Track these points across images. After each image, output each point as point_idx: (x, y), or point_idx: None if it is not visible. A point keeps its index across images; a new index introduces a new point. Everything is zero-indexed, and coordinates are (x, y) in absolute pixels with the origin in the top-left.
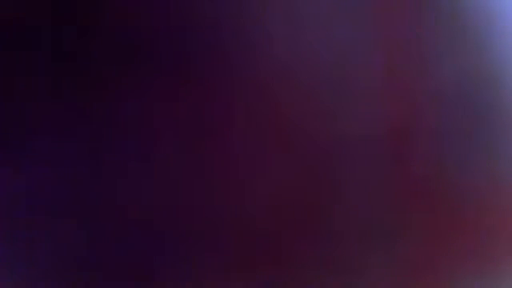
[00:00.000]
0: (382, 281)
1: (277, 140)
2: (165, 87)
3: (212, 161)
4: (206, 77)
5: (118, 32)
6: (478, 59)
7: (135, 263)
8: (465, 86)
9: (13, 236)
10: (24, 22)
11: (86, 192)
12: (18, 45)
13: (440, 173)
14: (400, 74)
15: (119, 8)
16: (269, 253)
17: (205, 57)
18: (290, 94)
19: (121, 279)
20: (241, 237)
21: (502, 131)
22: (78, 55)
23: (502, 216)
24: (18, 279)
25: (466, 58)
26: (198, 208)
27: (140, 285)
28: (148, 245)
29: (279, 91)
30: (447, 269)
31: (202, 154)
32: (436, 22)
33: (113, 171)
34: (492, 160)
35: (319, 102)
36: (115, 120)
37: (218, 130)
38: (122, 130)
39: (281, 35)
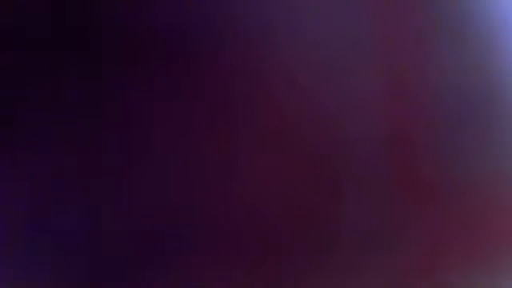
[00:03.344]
0: (383, 282)
1: (278, 141)
2: (165, 87)
3: (212, 161)
4: (206, 76)
5: (118, 31)
6: (479, 59)
7: (136, 263)
8: (465, 85)
9: (13, 237)
10: (24, 21)
11: (87, 192)
12: (19, 44)
13: (441, 174)
14: (401, 75)
15: (121, 6)
16: (269, 253)
17: (206, 56)
18: (293, 95)
19: (122, 279)
20: (241, 237)
21: (503, 131)
22: (78, 55)
23: (504, 217)
24: (18, 279)
25: (467, 58)
26: (198, 208)
27: (140, 285)
28: (148, 245)
29: (281, 92)
30: (449, 269)
31: (202, 153)
32: (437, 22)
33: (114, 171)
34: (494, 161)
35: (321, 104)
36: (116, 119)
37: (220, 129)
38: (122, 129)
39: (282, 35)
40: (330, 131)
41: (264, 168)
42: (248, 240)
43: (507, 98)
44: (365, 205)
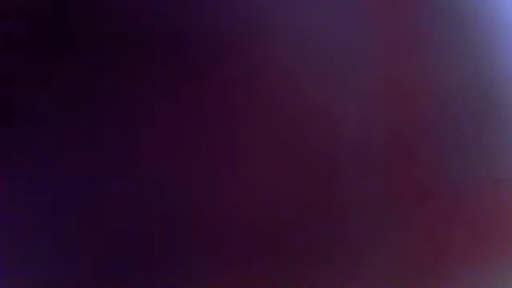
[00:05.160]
0: (382, 281)
1: (277, 141)
2: (164, 87)
3: (212, 161)
4: (206, 76)
5: (118, 32)
6: (478, 61)
7: (135, 263)
8: (465, 87)
9: (13, 237)
10: (21, 18)
11: (86, 193)
12: (14, 41)
13: (440, 174)
14: (400, 76)
15: (117, 5)
16: (268, 253)
17: (205, 56)
18: (291, 96)
19: (122, 279)
20: (240, 237)
21: (502, 133)
22: (75, 54)
23: (503, 218)
24: (17, 279)
25: (466, 59)
26: (197, 208)
27: (139, 284)
28: (147, 246)
29: (280, 92)
30: (447, 269)
31: (201, 154)
32: (436, 24)
33: (112, 171)
34: (494, 163)
35: (319, 104)
36: (115, 119)
37: (218, 130)
38: (121, 129)
39: (282, 36)
40: (328, 132)
41: (263, 168)
42: (247, 240)
43: (507, 100)
44: (364, 206)
